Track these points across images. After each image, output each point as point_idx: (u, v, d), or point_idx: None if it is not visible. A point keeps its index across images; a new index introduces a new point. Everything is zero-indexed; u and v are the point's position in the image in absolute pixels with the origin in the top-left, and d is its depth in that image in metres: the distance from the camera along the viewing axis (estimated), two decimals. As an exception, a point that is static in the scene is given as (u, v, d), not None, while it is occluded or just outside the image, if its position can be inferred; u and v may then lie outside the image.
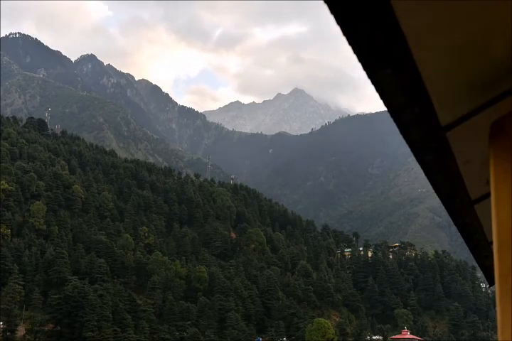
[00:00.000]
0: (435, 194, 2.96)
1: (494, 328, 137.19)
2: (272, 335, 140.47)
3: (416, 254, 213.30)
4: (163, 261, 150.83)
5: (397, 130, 2.22)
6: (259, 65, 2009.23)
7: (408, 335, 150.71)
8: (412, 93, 2.04)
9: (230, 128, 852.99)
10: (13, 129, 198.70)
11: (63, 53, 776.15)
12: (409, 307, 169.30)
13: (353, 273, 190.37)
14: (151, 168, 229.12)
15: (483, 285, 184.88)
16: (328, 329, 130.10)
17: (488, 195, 2.69)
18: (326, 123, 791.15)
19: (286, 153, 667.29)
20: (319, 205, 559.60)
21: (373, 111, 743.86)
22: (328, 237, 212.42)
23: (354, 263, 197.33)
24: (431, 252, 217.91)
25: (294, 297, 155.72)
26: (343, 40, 1.69)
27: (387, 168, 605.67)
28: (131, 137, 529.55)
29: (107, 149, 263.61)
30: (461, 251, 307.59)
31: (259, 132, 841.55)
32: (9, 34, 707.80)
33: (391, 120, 2.14)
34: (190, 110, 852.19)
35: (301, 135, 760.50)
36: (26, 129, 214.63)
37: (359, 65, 1.83)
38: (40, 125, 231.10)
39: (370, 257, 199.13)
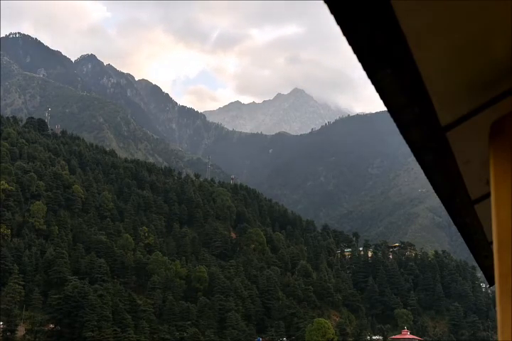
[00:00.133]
0: (435, 194, 2.97)
1: (494, 328, 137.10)
2: (272, 335, 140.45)
3: (416, 254, 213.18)
4: (163, 261, 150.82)
5: (397, 130, 2.23)
6: (258, 65, 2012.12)
7: (408, 335, 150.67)
8: (412, 93, 2.05)
9: (230, 128, 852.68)
10: (13, 129, 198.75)
11: (63, 53, 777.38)
12: (409, 307, 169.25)
13: (353, 273, 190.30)
14: (151, 168, 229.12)
15: (483, 285, 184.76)
16: (328, 329, 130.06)
17: (488, 195, 2.71)
18: (325, 123, 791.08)
19: (286, 153, 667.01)
20: (319, 205, 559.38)
21: (373, 111, 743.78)
22: (328, 237, 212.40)
23: (354, 263, 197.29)
24: (431, 252, 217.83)
25: (294, 297, 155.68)
26: (343, 40, 1.70)
27: (387, 168, 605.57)
28: (131, 137, 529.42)
29: (107, 149, 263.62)
30: (461, 251, 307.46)
31: (259, 132, 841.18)
32: (9, 34, 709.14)
33: (391, 120, 2.15)
34: (190, 110, 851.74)
35: (301, 135, 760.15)
36: (26, 129, 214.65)
37: (359, 65, 1.84)
38: (40, 125, 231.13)
39: (370, 257, 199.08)
